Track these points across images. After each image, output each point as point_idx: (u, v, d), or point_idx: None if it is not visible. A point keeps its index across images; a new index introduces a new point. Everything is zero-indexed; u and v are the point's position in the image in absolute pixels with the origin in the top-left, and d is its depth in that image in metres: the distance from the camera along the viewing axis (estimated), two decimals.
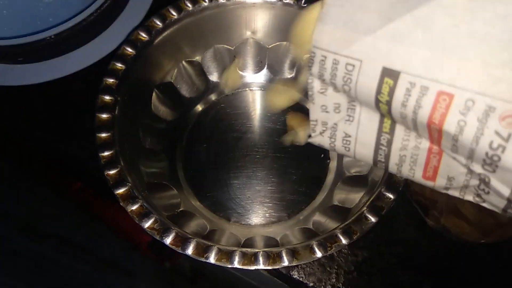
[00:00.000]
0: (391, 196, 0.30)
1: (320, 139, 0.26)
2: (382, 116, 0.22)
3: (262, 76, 0.44)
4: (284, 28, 0.40)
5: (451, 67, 0.19)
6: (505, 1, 0.18)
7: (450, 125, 0.19)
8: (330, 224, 0.35)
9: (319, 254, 0.29)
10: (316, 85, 0.23)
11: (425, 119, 0.19)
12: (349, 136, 0.25)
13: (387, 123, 0.23)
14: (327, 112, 0.24)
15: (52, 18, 0.43)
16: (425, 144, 0.22)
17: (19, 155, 0.58)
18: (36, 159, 0.57)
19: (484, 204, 0.22)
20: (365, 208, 0.31)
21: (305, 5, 0.37)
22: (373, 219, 0.30)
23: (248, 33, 0.41)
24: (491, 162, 0.19)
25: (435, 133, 0.20)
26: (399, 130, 0.22)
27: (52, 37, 0.38)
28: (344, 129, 0.24)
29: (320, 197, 0.39)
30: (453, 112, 0.19)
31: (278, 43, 0.42)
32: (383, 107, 0.21)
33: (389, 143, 0.23)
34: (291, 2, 0.37)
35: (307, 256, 0.29)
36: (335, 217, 0.36)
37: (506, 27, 0.18)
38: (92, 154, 0.40)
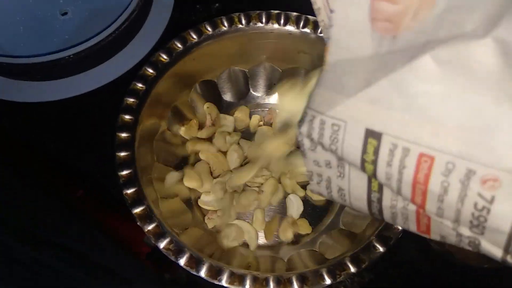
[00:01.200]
0: (399, 227, 0.31)
1: (318, 188, 0.27)
2: (370, 177, 0.23)
3: (273, 98, 0.45)
4: (299, 54, 0.41)
5: (429, 130, 0.19)
6: (475, 70, 0.18)
7: (434, 186, 0.19)
8: (337, 247, 0.36)
9: (328, 281, 0.30)
10: (306, 142, 0.24)
11: (410, 178, 0.19)
12: (343, 190, 0.25)
13: (375, 183, 0.23)
14: (319, 166, 0.25)
15: (68, 35, 0.44)
16: (412, 206, 0.22)
17: (20, 162, 0.59)
18: (39, 167, 0.58)
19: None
20: (373, 237, 0.31)
21: (321, 34, 0.38)
22: (381, 249, 0.31)
23: (263, 57, 0.42)
24: (478, 224, 0.19)
25: (419, 196, 0.20)
26: (387, 190, 0.23)
27: (71, 56, 0.39)
28: (338, 183, 0.25)
29: (327, 220, 0.40)
30: (435, 173, 0.19)
31: (291, 66, 0.43)
32: (369, 167, 0.21)
33: (379, 200, 0.23)
34: (309, 31, 0.39)
35: (316, 283, 0.30)
36: (341, 240, 0.37)
37: (479, 99, 0.18)
38: (101, 166, 0.42)
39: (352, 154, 0.21)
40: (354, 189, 0.24)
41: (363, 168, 0.22)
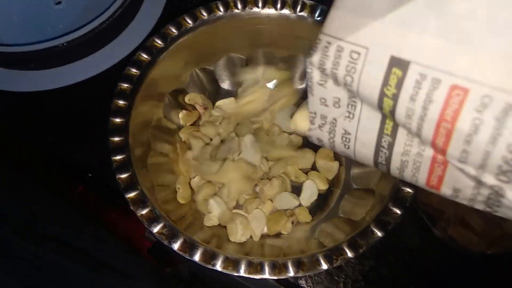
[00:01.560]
0: (398, 211, 0.31)
1: (319, 133, 0.24)
2: (384, 116, 0.21)
3: (271, 85, 0.45)
4: (298, 40, 0.40)
5: (467, 58, 0.16)
6: None
7: (464, 124, 0.17)
8: (336, 235, 0.35)
9: (324, 266, 0.29)
10: (315, 75, 0.22)
11: (436, 115, 0.17)
12: (349, 134, 0.23)
13: (389, 124, 0.21)
14: (326, 105, 0.22)
15: (62, 24, 0.44)
16: (428, 152, 0.20)
17: (20, 157, 0.58)
18: (38, 162, 0.58)
19: (497, 214, 0.20)
20: (372, 222, 0.31)
21: (319, 18, 0.38)
22: (379, 234, 0.30)
23: (261, 43, 0.42)
24: (508, 170, 0.17)
25: (442, 137, 0.18)
26: (401, 133, 0.20)
27: (65, 44, 0.38)
28: (344, 125, 0.23)
29: (327, 209, 0.40)
30: (467, 109, 0.16)
31: (289, 53, 0.42)
32: (388, 103, 0.19)
33: (390, 146, 0.21)
34: (306, 15, 0.38)
35: (312, 268, 0.29)
36: (341, 228, 0.36)
37: None
38: (101, 159, 0.41)
39: (370, 87, 0.19)
40: (363, 132, 0.22)
41: (380, 104, 0.19)
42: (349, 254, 0.30)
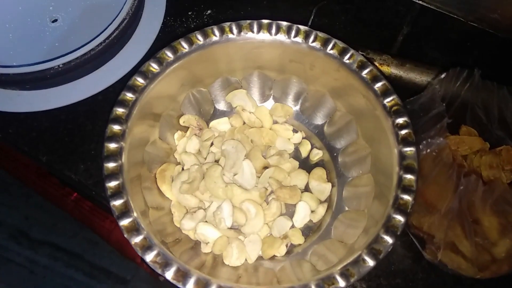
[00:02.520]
0: (389, 240, 0.31)
1: None
2: None
3: (268, 104, 0.45)
4: (291, 63, 0.41)
5: None
6: None
7: None
8: (329, 257, 0.36)
9: None
10: None
11: None
12: None
13: None
14: None
15: (58, 42, 0.44)
16: None
17: (15, 166, 0.58)
18: (32, 171, 0.58)
19: None
20: (363, 250, 0.31)
21: (313, 43, 0.38)
22: (370, 263, 0.31)
23: (256, 66, 0.42)
24: None
25: None
26: None
27: (61, 66, 0.38)
28: None
29: (319, 231, 0.40)
30: None
31: (284, 76, 0.42)
32: None
33: None
34: (300, 40, 0.38)
35: None
36: (333, 250, 0.36)
37: None
38: (95, 179, 0.41)
39: None
40: None
41: None
42: (341, 283, 0.30)
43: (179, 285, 0.29)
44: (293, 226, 0.40)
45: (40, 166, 0.45)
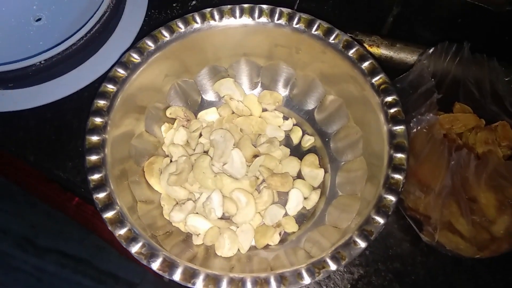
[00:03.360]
0: (380, 220, 0.30)
1: None
2: None
3: (256, 92, 0.44)
4: (277, 48, 0.40)
5: None
6: None
7: None
8: (323, 243, 0.35)
9: (307, 280, 0.29)
10: None
11: None
12: None
13: None
14: None
15: (43, 41, 0.43)
16: None
17: (16, 173, 0.58)
18: (34, 178, 0.58)
19: None
20: (354, 232, 0.30)
21: (297, 25, 0.37)
22: (362, 244, 0.30)
23: (242, 53, 0.41)
24: None
25: None
26: None
27: (42, 62, 0.38)
28: None
29: (313, 218, 0.39)
30: None
31: (271, 62, 0.42)
32: None
33: None
34: (283, 23, 0.37)
35: (295, 282, 0.29)
36: (327, 236, 0.35)
37: None
38: (84, 176, 0.41)
39: None
40: None
41: None
42: (332, 266, 0.29)
43: (166, 275, 0.28)
44: (286, 214, 0.39)
45: (40, 172, 0.45)
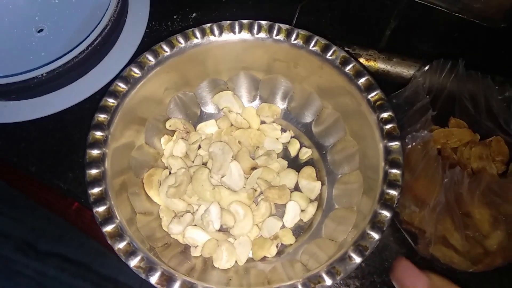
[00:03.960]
0: (375, 236, 0.31)
1: None
2: None
3: (255, 105, 0.45)
4: (275, 62, 0.40)
5: None
6: None
7: None
8: (319, 255, 0.35)
9: None
10: None
11: None
12: None
13: None
14: None
15: (45, 52, 0.44)
16: None
17: (16, 179, 0.58)
18: (33, 183, 0.58)
19: None
20: (349, 247, 0.31)
21: (295, 41, 0.38)
22: (357, 260, 0.30)
23: (241, 67, 0.42)
24: None
25: None
26: None
27: (44, 75, 0.38)
28: None
29: (310, 230, 0.40)
30: None
31: (270, 76, 0.42)
32: None
33: None
34: (281, 38, 0.38)
35: None
36: (323, 249, 0.36)
37: None
38: (84, 187, 0.41)
39: None
40: None
41: None
42: (327, 281, 0.30)
43: None
44: (283, 226, 0.40)
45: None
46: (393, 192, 0.32)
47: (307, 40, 0.38)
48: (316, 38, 0.38)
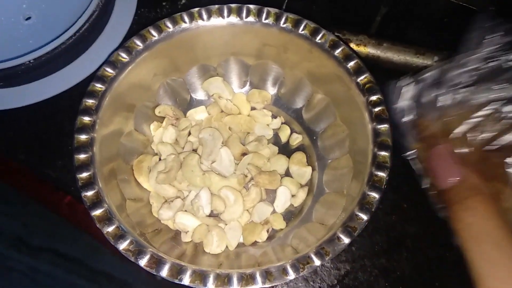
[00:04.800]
0: (364, 217, 0.31)
1: None
2: None
3: (245, 91, 0.45)
4: (265, 47, 0.40)
5: None
6: None
7: None
8: (309, 240, 0.35)
9: (292, 275, 0.29)
10: None
11: None
12: None
13: None
14: None
15: (33, 40, 0.44)
16: None
17: (8, 172, 0.58)
18: (25, 176, 0.58)
19: None
20: (338, 228, 0.31)
21: (284, 25, 0.38)
22: (345, 240, 0.30)
23: (231, 52, 0.42)
24: None
25: None
26: None
27: (32, 61, 0.38)
28: None
29: (300, 214, 0.40)
30: None
31: (260, 61, 0.42)
32: None
33: None
34: (270, 22, 0.38)
35: (280, 278, 0.29)
36: (313, 233, 0.36)
37: None
38: (73, 175, 0.41)
39: None
40: None
41: None
42: (316, 262, 0.30)
43: (153, 271, 0.29)
44: (274, 212, 0.40)
45: (31, 171, 0.45)
46: (381, 174, 0.32)
47: (296, 24, 0.38)
48: (305, 21, 0.38)
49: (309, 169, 0.41)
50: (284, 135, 0.43)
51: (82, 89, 0.43)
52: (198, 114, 0.43)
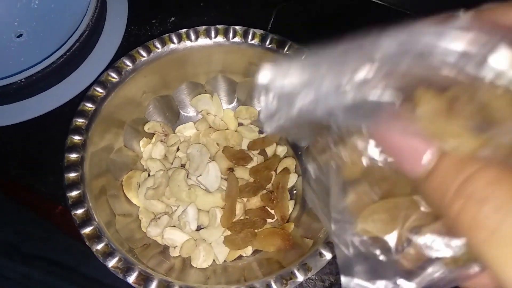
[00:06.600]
0: None
1: None
2: None
3: (233, 107, 0.46)
4: (251, 66, 0.41)
5: None
6: None
7: None
8: (293, 252, 0.36)
9: None
10: None
11: None
12: None
13: None
14: None
15: (24, 57, 0.44)
16: None
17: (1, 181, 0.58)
18: (16, 186, 0.58)
19: None
20: (320, 244, 0.32)
21: (269, 46, 0.39)
22: (327, 256, 0.31)
23: (219, 70, 0.43)
24: None
25: None
26: None
27: (23, 80, 0.39)
28: None
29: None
30: None
31: (246, 79, 0.43)
32: None
33: None
34: (256, 43, 0.39)
35: None
36: (298, 246, 0.37)
37: None
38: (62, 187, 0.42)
39: None
40: None
41: None
42: (299, 277, 0.31)
43: None
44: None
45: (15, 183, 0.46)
46: None
47: (280, 45, 0.39)
48: (289, 42, 0.39)
49: (295, 176, 0.42)
50: (270, 150, 0.45)
51: (73, 106, 0.44)
52: (186, 130, 0.44)
